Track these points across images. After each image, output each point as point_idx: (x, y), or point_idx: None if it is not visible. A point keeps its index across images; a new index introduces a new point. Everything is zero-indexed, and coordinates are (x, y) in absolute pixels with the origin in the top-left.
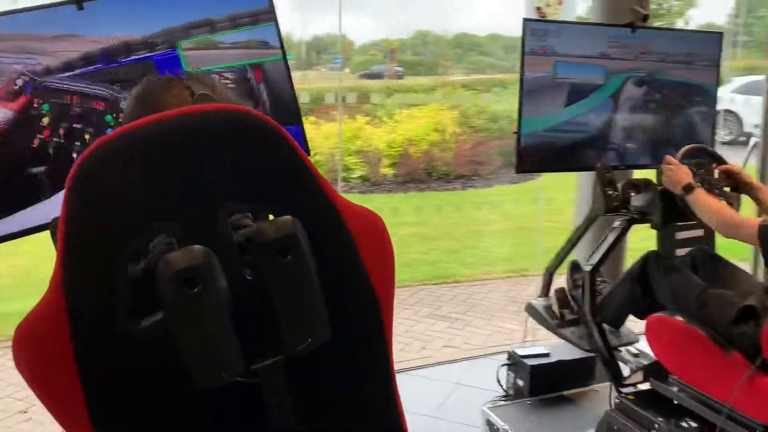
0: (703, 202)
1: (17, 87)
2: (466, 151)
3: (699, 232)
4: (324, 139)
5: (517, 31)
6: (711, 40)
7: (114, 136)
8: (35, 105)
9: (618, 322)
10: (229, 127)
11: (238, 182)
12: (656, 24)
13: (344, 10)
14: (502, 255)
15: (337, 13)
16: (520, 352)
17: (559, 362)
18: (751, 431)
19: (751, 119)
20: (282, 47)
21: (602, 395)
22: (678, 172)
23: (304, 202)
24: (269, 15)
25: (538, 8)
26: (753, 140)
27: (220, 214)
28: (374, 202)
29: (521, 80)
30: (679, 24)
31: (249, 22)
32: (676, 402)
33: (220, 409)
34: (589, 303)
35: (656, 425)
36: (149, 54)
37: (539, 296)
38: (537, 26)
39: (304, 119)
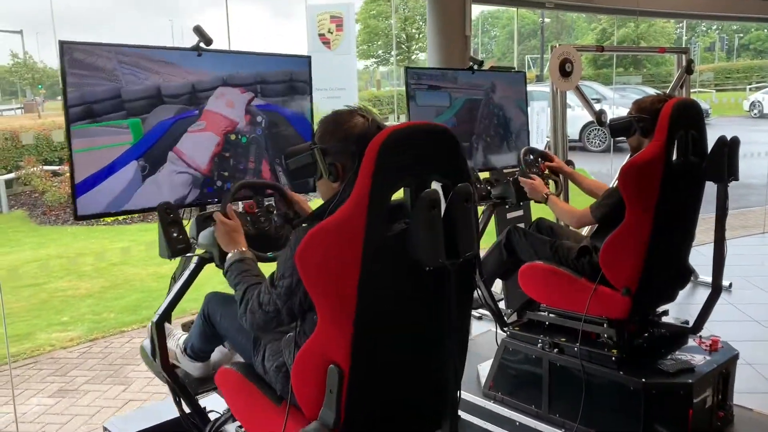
0: (558, 205)
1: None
2: None
3: (520, 212)
4: None
5: None
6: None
7: (392, 129)
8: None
9: (490, 282)
10: (439, 132)
11: (440, 163)
12: None
13: None
14: None
15: None
16: None
17: None
18: (599, 325)
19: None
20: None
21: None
22: (537, 186)
23: (465, 177)
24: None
25: (321, 35)
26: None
27: (432, 179)
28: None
29: None
30: None
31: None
32: (547, 323)
33: (424, 283)
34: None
35: (539, 340)
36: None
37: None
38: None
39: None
